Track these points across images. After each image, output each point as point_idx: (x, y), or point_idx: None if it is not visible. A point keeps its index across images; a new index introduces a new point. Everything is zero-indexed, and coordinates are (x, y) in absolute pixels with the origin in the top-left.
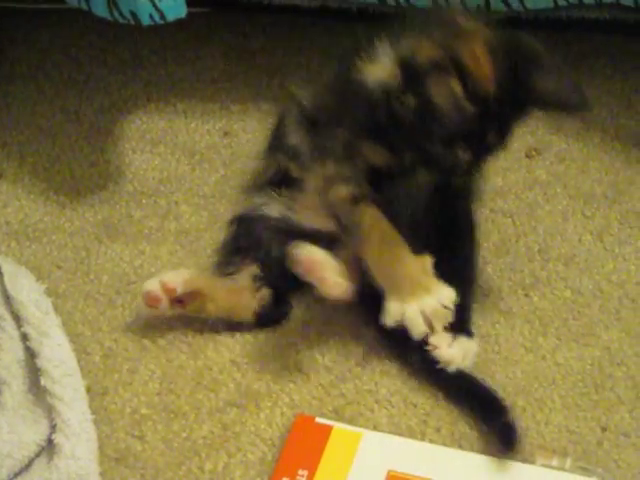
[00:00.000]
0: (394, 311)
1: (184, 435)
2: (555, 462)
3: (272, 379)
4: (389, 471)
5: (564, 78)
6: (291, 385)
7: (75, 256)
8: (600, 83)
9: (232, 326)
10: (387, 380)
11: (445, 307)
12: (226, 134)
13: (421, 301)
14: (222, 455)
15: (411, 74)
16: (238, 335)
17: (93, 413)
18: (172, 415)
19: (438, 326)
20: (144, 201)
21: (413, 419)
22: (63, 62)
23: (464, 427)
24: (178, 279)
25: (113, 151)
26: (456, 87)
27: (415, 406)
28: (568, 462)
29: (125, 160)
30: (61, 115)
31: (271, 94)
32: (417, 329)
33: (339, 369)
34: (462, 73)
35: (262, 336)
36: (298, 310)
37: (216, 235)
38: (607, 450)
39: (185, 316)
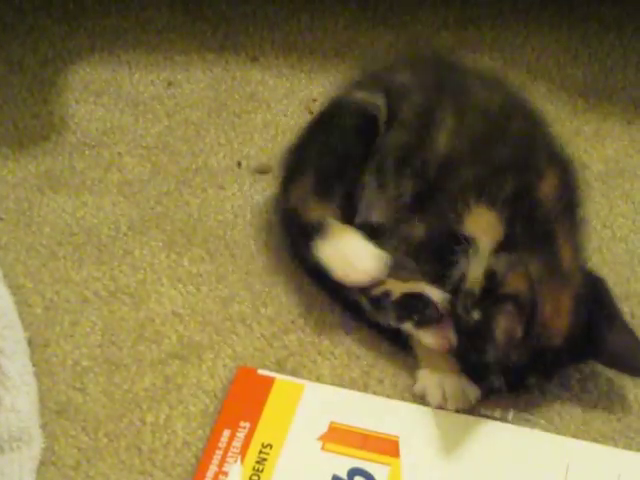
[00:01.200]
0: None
1: (125, 387)
2: (497, 414)
3: (214, 331)
4: (331, 422)
5: (633, 340)
6: (233, 337)
7: (17, 207)
8: (547, 33)
9: (174, 278)
10: (330, 332)
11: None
12: (170, 84)
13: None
14: (164, 407)
15: (490, 291)
16: (180, 286)
17: (34, 365)
18: (113, 367)
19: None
20: (87, 152)
21: (356, 371)
22: (6, 12)
23: (407, 379)
24: None
25: (56, 102)
26: (517, 331)
27: (358, 358)
28: (511, 413)
29: (68, 111)
30: (4, 66)
31: (216, 44)
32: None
33: (282, 321)
34: (534, 319)
35: (205, 288)
36: (241, 261)
37: (159, 186)
38: (550, 401)
39: (126, 268)
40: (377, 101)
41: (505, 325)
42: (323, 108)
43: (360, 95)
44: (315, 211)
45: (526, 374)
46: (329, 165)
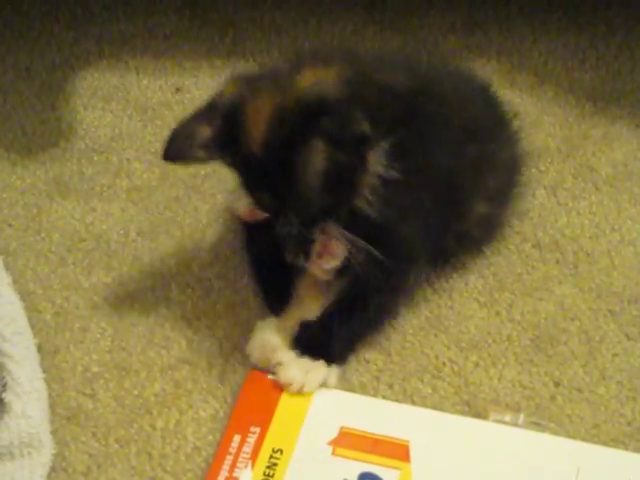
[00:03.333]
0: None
1: (135, 393)
2: (508, 418)
3: (224, 336)
4: (342, 427)
5: None
6: (243, 342)
7: (26, 214)
8: (554, 37)
9: (184, 283)
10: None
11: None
12: (178, 90)
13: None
14: (174, 412)
15: None
16: (190, 292)
17: (44, 371)
18: (123, 373)
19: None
20: (96, 158)
21: (366, 375)
22: (14, 18)
23: (416, 383)
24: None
25: (65, 108)
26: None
27: (368, 362)
28: (521, 418)
29: (77, 117)
30: (12, 72)
31: (224, 50)
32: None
33: (290, 325)
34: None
35: (214, 293)
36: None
37: (168, 192)
38: (560, 405)
39: (135, 274)
40: None
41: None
42: None
43: None
44: None
45: (253, 189)
46: None
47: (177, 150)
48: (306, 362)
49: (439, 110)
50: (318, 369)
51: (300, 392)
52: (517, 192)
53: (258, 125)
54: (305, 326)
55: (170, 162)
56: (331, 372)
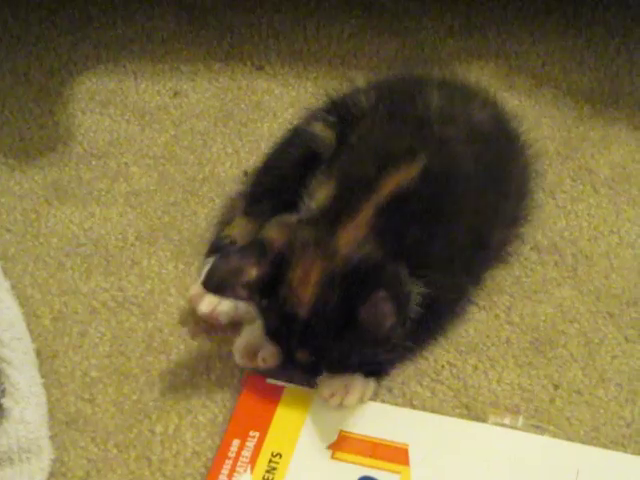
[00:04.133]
0: None
1: (134, 398)
2: (507, 421)
3: (223, 340)
4: (341, 431)
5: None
6: None
7: (24, 219)
8: (552, 39)
9: (183, 287)
10: None
11: None
12: (176, 94)
13: None
14: (173, 417)
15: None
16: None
17: (43, 377)
18: (122, 378)
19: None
20: (94, 163)
21: None
22: (12, 23)
23: (415, 386)
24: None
25: (63, 113)
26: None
27: None
28: (520, 420)
29: (75, 122)
30: (10, 77)
31: (222, 54)
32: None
33: None
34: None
35: None
36: None
37: (166, 196)
38: (560, 407)
39: (134, 278)
40: (327, 136)
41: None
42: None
43: (315, 127)
44: (234, 228)
45: (290, 346)
46: (263, 186)
47: (220, 282)
48: (345, 376)
49: (463, 185)
50: (357, 382)
51: (339, 406)
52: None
53: (306, 289)
54: None
55: (210, 291)
56: (369, 386)
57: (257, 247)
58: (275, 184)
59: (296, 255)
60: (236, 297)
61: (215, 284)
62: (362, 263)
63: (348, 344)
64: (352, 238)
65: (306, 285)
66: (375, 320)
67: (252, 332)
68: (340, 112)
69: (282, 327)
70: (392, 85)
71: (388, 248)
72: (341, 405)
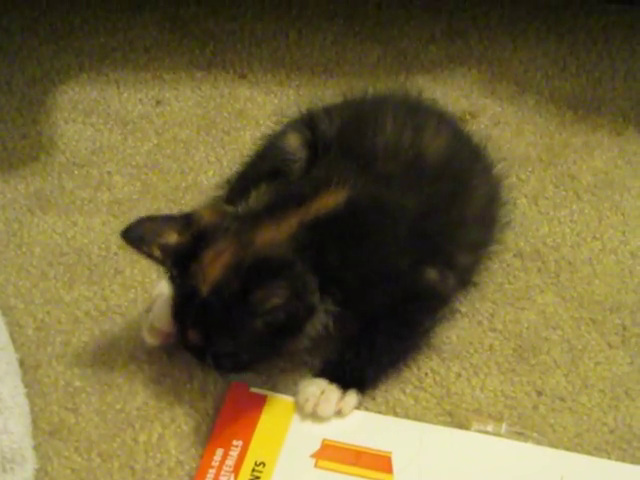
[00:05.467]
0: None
1: (118, 407)
2: (490, 428)
3: None
4: (324, 439)
5: None
6: None
7: (7, 228)
8: (534, 45)
9: None
10: (321, 348)
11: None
12: (158, 103)
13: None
14: (156, 426)
15: None
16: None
17: (26, 386)
18: (106, 387)
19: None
20: (76, 172)
21: None
22: None
23: (398, 394)
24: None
25: (45, 122)
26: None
27: None
28: (503, 427)
29: (57, 131)
30: None
31: (204, 62)
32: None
33: None
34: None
35: None
36: None
37: (149, 205)
38: (543, 414)
39: (117, 287)
40: (297, 151)
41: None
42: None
43: (289, 140)
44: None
45: (185, 323)
46: (233, 192)
47: (138, 236)
48: (322, 382)
49: (393, 218)
50: (332, 392)
51: (314, 414)
52: (499, 226)
53: (213, 268)
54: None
55: (124, 241)
56: (348, 398)
57: (183, 218)
58: (245, 191)
59: (215, 236)
60: (149, 256)
61: (134, 237)
62: (272, 259)
63: (235, 331)
64: (270, 237)
65: (214, 266)
66: (264, 303)
67: (161, 309)
68: (313, 131)
69: (182, 302)
70: (352, 112)
71: (304, 261)
72: (317, 414)
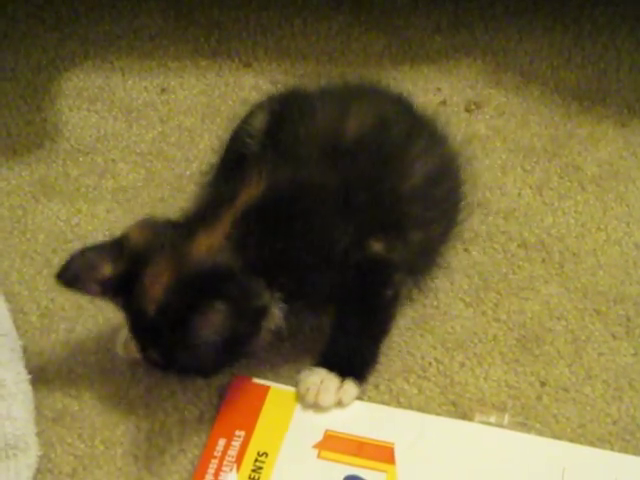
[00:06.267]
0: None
1: (121, 394)
2: (493, 419)
3: None
4: (327, 430)
5: None
6: None
7: (11, 215)
8: (540, 36)
9: None
10: (324, 337)
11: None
12: (163, 91)
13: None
14: (159, 414)
15: None
16: None
17: (30, 373)
18: (109, 374)
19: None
20: (81, 159)
21: None
22: None
23: (402, 383)
24: None
25: (50, 109)
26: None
27: None
28: (506, 418)
29: (62, 118)
30: None
31: (209, 50)
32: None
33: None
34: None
35: None
36: None
37: (153, 192)
38: (546, 405)
39: None
40: (254, 138)
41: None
42: None
43: (254, 120)
44: None
45: (142, 343)
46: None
47: (73, 276)
48: (322, 371)
49: (314, 195)
50: (331, 382)
51: (316, 406)
52: (456, 203)
53: (155, 288)
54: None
55: (61, 284)
56: (347, 387)
57: (114, 245)
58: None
59: (152, 255)
60: (89, 293)
61: (69, 277)
62: (211, 270)
63: (189, 348)
64: (207, 245)
65: (157, 285)
66: (203, 330)
67: None
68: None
69: (134, 325)
70: (290, 102)
71: (245, 260)
72: (317, 404)
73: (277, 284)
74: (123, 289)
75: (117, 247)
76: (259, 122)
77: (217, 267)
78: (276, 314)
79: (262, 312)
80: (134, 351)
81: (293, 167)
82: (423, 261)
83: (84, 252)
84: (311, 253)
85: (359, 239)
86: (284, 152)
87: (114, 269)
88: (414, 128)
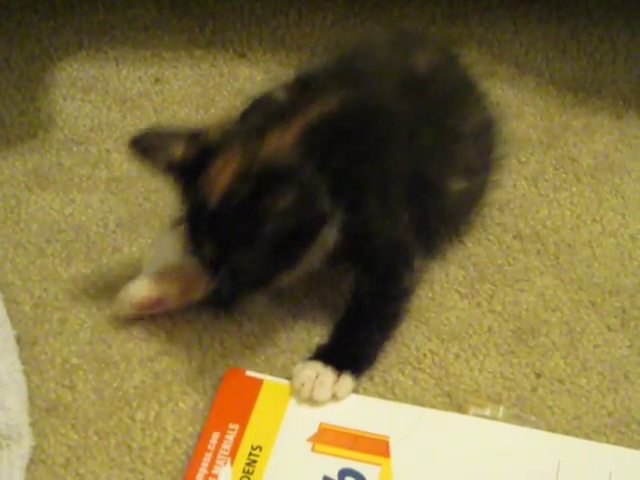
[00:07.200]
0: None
1: (115, 385)
2: (488, 412)
3: (204, 328)
4: (321, 423)
5: None
6: (223, 334)
7: (5, 205)
8: (535, 27)
9: None
10: (319, 329)
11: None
12: (157, 81)
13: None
14: (153, 404)
15: None
16: None
17: (23, 363)
18: (103, 365)
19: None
20: (75, 149)
21: None
22: None
23: (397, 374)
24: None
25: (44, 99)
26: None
27: None
28: (501, 411)
29: (56, 108)
30: None
31: (203, 40)
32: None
33: (271, 318)
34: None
35: None
36: None
37: (147, 182)
38: (541, 396)
39: (115, 265)
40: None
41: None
42: None
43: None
44: None
45: (198, 236)
46: None
47: (145, 147)
48: (317, 365)
49: (388, 119)
50: (327, 375)
51: (309, 399)
52: (495, 159)
53: (221, 179)
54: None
55: (131, 149)
56: (343, 381)
57: (191, 132)
58: None
59: (222, 148)
60: (155, 165)
61: (140, 146)
62: (279, 165)
63: (247, 240)
64: (277, 145)
65: (222, 176)
66: (273, 207)
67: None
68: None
69: (193, 215)
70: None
71: (312, 164)
72: (312, 398)
73: (337, 200)
74: (188, 175)
75: (193, 134)
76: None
77: (285, 164)
78: (332, 230)
79: (321, 219)
80: (130, 307)
81: (367, 92)
82: (457, 216)
83: (160, 130)
84: (374, 175)
85: (441, 171)
86: (354, 82)
87: (185, 153)
88: (469, 75)
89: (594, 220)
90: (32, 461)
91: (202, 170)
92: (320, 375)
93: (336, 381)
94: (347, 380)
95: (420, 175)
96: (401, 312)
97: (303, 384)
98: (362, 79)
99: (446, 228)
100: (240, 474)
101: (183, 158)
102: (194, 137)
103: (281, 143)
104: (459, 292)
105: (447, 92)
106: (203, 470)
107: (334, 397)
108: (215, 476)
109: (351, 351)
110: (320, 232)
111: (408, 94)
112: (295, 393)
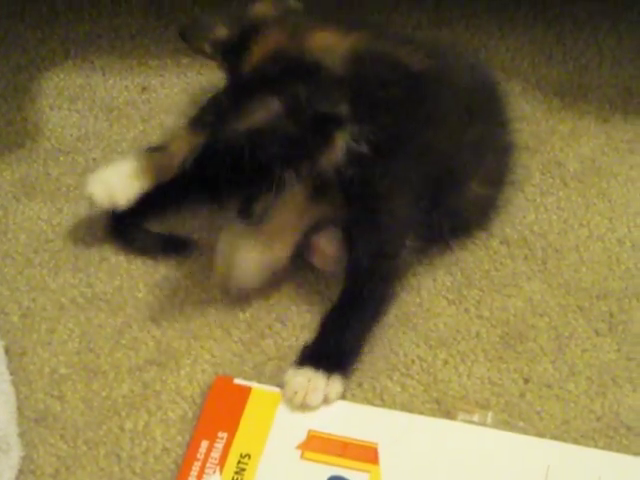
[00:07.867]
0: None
1: (104, 394)
2: (476, 418)
3: (192, 336)
4: (310, 430)
5: None
6: (211, 342)
7: None
8: (521, 32)
9: (151, 283)
10: (307, 335)
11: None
12: (144, 89)
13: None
14: (142, 414)
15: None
16: (158, 292)
17: (11, 374)
18: (92, 374)
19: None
20: (62, 158)
21: None
22: None
23: (385, 381)
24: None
25: (30, 109)
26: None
27: None
28: (489, 417)
29: (43, 117)
30: None
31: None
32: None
33: (259, 325)
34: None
35: (182, 293)
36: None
37: None
38: (530, 401)
39: (103, 274)
40: None
41: None
42: None
43: None
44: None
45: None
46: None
47: (191, 34)
48: (308, 371)
49: (447, 94)
50: (319, 380)
51: (302, 406)
52: (511, 177)
53: (258, 54)
54: (316, 341)
55: (181, 40)
56: (333, 385)
57: (236, 13)
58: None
59: (267, 25)
60: (200, 52)
61: (188, 35)
62: (317, 58)
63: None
64: (322, 44)
65: (261, 53)
66: (288, 85)
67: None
68: None
69: (235, 90)
70: None
71: (347, 82)
72: (305, 404)
73: (360, 119)
74: (232, 55)
75: (237, 15)
76: None
77: (322, 59)
78: (345, 143)
79: (337, 120)
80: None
81: (447, 65)
82: (470, 220)
83: (206, 15)
84: (410, 132)
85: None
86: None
87: (229, 33)
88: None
89: (581, 224)
90: (21, 472)
91: (245, 48)
92: (312, 380)
93: (327, 384)
94: (337, 382)
95: (451, 165)
96: (391, 293)
97: (296, 392)
98: (445, 56)
99: (454, 229)
100: None
101: (227, 38)
102: (236, 17)
103: (325, 44)
104: (447, 298)
105: (493, 102)
106: (192, 479)
107: (325, 400)
108: None
109: (338, 348)
110: (333, 134)
111: (472, 88)
112: (287, 401)
